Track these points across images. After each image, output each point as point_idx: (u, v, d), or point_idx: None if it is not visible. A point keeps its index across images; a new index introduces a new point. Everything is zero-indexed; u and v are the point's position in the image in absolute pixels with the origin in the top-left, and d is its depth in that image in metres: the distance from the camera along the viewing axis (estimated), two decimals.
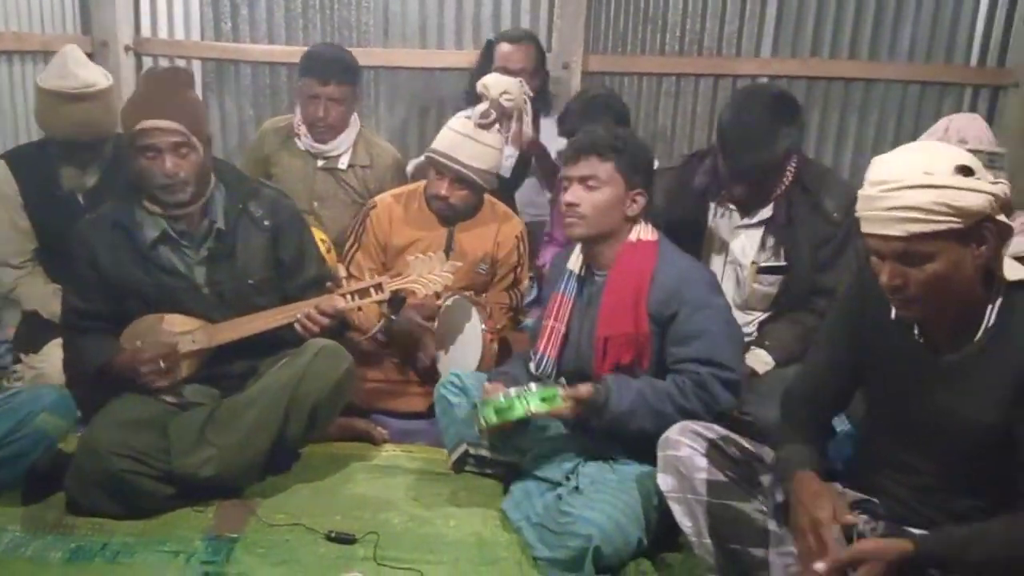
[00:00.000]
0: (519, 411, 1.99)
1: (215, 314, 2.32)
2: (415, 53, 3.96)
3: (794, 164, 2.40)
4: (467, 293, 2.61)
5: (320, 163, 3.10)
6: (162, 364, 2.24)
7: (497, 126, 2.68)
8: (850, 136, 3.93)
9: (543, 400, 1.99)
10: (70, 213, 2.58)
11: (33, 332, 2.70)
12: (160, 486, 2.14)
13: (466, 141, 2.64)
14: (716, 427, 1.90)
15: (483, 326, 2.49)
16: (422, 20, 3.95)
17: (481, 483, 2.32)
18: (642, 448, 2.01)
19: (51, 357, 2.56)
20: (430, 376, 2.61)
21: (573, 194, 2.10)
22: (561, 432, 2.21)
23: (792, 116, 2.30)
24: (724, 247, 2.48)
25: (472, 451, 2.29)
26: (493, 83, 2.74)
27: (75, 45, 2.66)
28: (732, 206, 2.47)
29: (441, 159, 2.64)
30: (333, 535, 2.06)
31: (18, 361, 2.70)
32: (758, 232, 2.44)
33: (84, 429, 2.20)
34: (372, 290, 2.35)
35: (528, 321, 2.87)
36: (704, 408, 1.99)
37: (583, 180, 2.09)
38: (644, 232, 2.13)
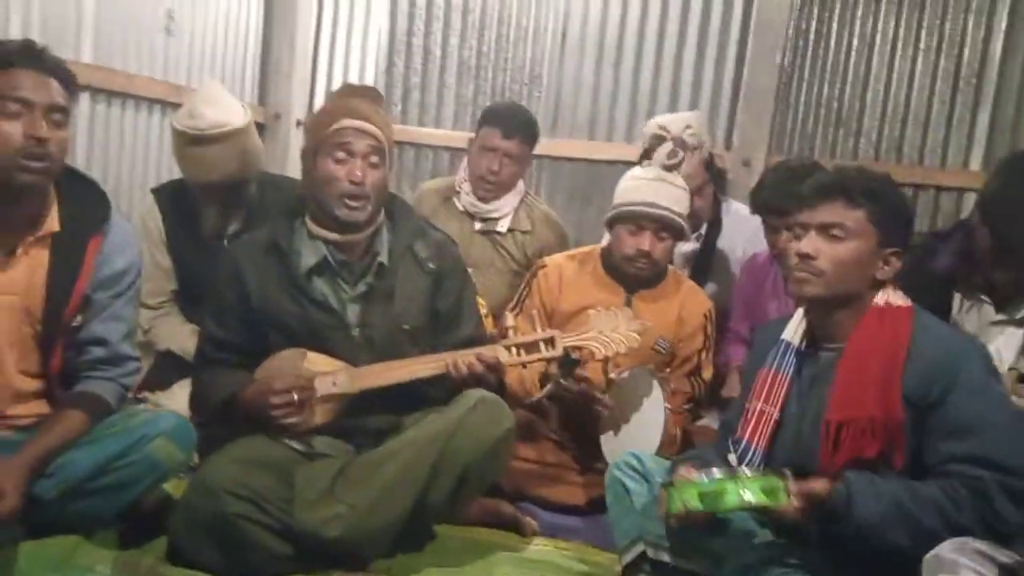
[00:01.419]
0: (731, 500, 1.54)
1: (362, 359, 2.02)
2: (582, 144, 3.80)
3: None
4: (648, 367, 2.23)
5: (478, 226, 2.88)
6: (296, 397, 1.94)
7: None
8: None
9: (764, 492, 1.54)
10: (211, 256, 2.38)
11: (164, 372, 2.49)
12: (277, 542, 1.79)
13: (661, 184, 2.35)
14: (1005, 551, 1.42)
15: (667, 404, 2.08)
16: (593, 113, 3.81)
17: None
18: (887, 568, 1.54)
19: (177, 396, 2.33)
20: (593, 461, 2.20)
21: (810, 244, 1.70)
22: (772, 540, 1.72)
23: None
24: None
25: (651, 554, 1.83)
26: (671, 119, 2.48)
27: (214, 81, 2.55)
28: (985, 297, 2.03)
29: (640, 208, 2.33)
30: None
31: (143, 401, 2.48)
32: (1020, 332, 1.98)
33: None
34: (542, 344, 2.00)
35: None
36: (983, 527, 1.50)
37: (824, 228, 1.69)
38: (894, 296, 1.71)
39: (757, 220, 3.12)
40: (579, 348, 2.02)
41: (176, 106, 3.02)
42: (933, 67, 3.50)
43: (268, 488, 1.81)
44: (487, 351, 1.99)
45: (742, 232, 2.96)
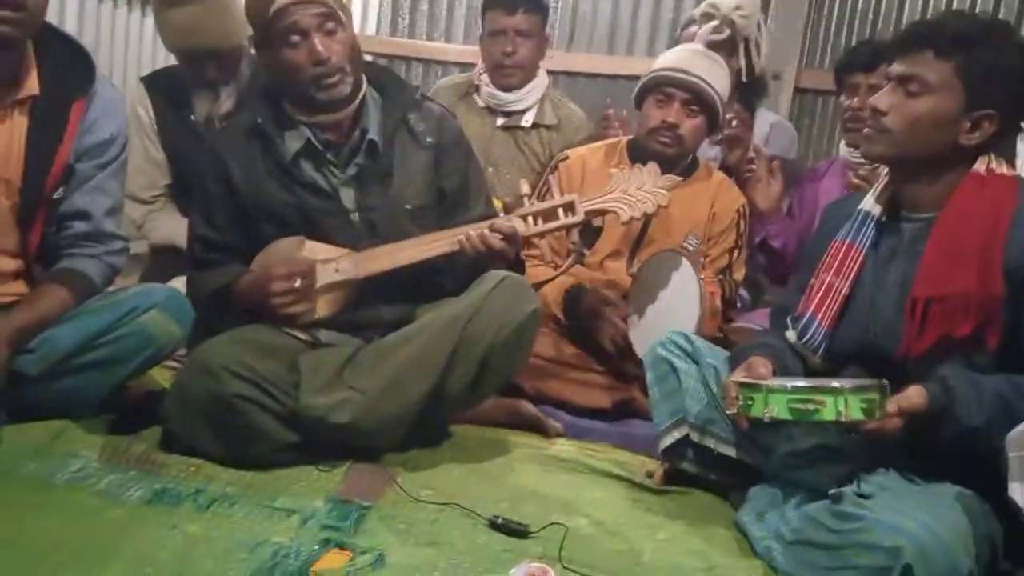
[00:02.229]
0: (828, 413, 1.35)
1: (364, 245, 1.84)
2: (601, 59, 3.59)
3: None
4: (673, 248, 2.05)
5: (500, 121, 2.69)
6: (298, 283, 1.76)
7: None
8: None
9: (862, 407, 1.34)
10: (202, 143, 2.22)
11: (160, 269, 2.32)
12: (281, 428, 1.64)
13: (698, 56, 2.16)
14: None
15: (700, 276, 1.89)
16: (613, 25, 3.60)
17: (697, 498, 1.69)
18: (965, 468, 1.39)
19: None
20: (619, 362, 2.04)
21: (884, 97, 1.50)
22: (832, 430, 1.54)
23: None
24: None
25: (696, 438, 1.66)
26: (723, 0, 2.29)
27: None
28: None
29: (669, 73, 2.14)
30: (500, 522, 1.48)
31: None
32: None
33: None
34: (561, 211, 1.81)
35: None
36: None
37: (903, 81, 1.49)
38: (998, 165, 1.51)
39: (792, 130, 2.95)
40: (602, 212, 1.83)
41: None
42: None
43: (271, 371, 1.65)
44: (501, 221, 1.81)
45: (779, 141, 2.79)
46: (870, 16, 3.38)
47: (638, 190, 1.82)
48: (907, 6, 3.34)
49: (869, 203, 1.60)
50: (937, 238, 1.48)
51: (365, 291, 1.83)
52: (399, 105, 1.88)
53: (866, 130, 1.54)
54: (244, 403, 1.60)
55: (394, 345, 1.71)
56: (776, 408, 1.37)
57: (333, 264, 1.83)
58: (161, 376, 1.94)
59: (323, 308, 1.84)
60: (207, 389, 1.60)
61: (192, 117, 2.34)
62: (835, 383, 1.37)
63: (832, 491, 1.42)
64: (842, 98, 2.38)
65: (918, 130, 1.49)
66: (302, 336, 1.81)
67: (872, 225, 1.58)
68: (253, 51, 1.92)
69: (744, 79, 2.48)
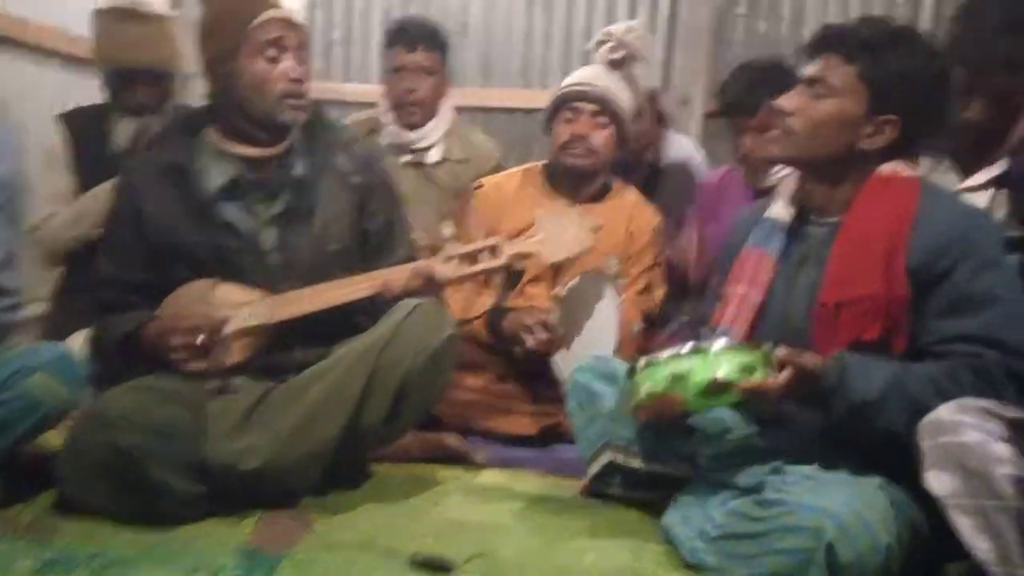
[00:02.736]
0: (702, 374, 1.35)
1: (281, 287, 1.77)
2: (517, 93, 3.61)
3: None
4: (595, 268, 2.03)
5: (406, 158, 2.65)
6: (200, 339, 1.68)
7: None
8: None
9: (741, 367, 1.34)
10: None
11: (61, 321, 2.20)
12: (186, 480, 1.54)
13: (600, 72, 2.19)
14: (1012, 407, 1.27)
15: (620, 298, 1.88)
16: (526, 59, 3.63)
17: (625, 515, 1.65)
18: (879, 462, 1.40)
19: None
20: (544, 386, 2.00)
21: (791, 99, 1.52)
22: (749, 432, 1.54)
23: None
24: None
25: (621, 461, 1.63)
26: (614, 26, 2.38)
27: None
28: (950, 166, 1.90)
29: (576, 88, 2.16)
30: (421, 559, 1.41)
31: None
32: (986, 196, 1.85)
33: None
34: (485, 254, 1.79)
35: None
36: None
37: (810, 83, 1.52)
38: (900, 167, 1.53)
39: (700, 155, 2.99)
40: (527, 254, 1.81)
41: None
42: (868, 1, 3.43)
43: (174, 419, 1.56)
44: (423, 265, 1.78)
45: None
46: (771, 40, 3.48)
47: (564, 232, 1.81)
48: (805, 31, 3.45)
49: (777, 209, 1.61)
50: (841, 242, 1.49)
51: (280, 334, 1.76)
52: (326, 144, 1.85)
53: (774, 131, 1.56)
54: (144, 455, 1.49)
55: (306, 382, 1.64)
56: (656, 381, 1.36)
57: (247, 309, 1.76)
58: (58, 438, 1.82)
59: (236, 354, 1.76)
60: (103, 442, 1.49)
61: (113, 149, 2.27)
62: (714, 344, 1.35)
63: (754, 482, 1.40)
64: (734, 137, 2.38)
65: (820, 132, 1.50)
66: (211, 383, 1.73)
67: (781, 231, 1.59)
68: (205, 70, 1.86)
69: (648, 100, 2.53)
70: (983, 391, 1.33)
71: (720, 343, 1.37)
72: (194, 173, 1.77)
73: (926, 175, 1.89)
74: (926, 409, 1.30)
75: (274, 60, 1.73)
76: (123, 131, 2.26)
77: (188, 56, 2.34)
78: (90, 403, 1.59)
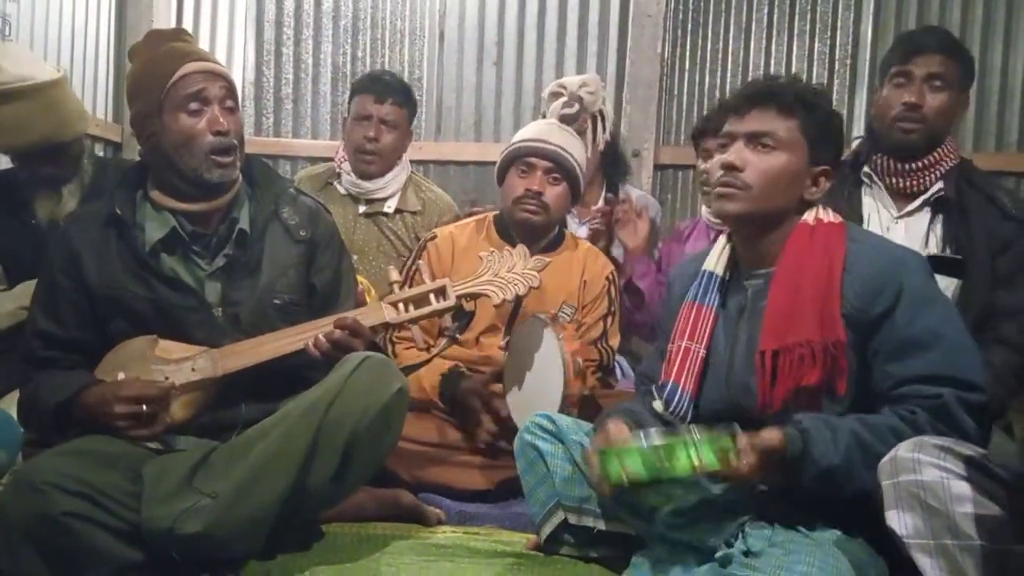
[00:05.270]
0: (683, 465, 1.32)
1: (226, 342, 1.73)
2: (469, 146, 3.64)
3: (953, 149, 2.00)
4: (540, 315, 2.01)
5: (362, 208, 2.64)
6: (145, 408, 1.62)
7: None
8: None
9: (715, 452, 1.33)
10: (42, 243, 2.11)
11: None
12: (121, 546, 1.47)
13: (554, 128, 2.21)
14: (967, 444, 1.28)
15: (560, 338, 1.86)
16: (478, 114, 3.67)
17: (584, 569, 1.61)
18: (841, 510, 1.40)
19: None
20: (498, 440, 1.97)
21: (738, 154, 1.53)
22: (713, 487, 1.51)
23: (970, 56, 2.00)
24: None
25: (573, 520, 1.60)
26: (568, 79, 2.44)
27: (13, 41, 2.30)
28: (888, 198, 1.97)
29: (530, 144, 2.17)
30: None
31: None
32: (923, 219, 1.92)
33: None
34: (432, 296, 1.77)
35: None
36: None
37: (754, 138, 1.52)
38: (824, 213, 1.55)
39: (655, 203, 3.04)
40: (474, 295, 1.79)
41: None
42: (808, 51, 3.54)
43: (109, 483, 1.49)
44: (370, 310, 1.75)
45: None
46: (716, 92, 3.56)
47: (509, 272, 1.81)
48: (748, 80, 3.55)
49: (711, 263, 1.63)
50: (776, 292, 1.50)
51: (226, 390, 1.71)
52: (272, 197, 1.83)
53: (719, 189, 1.55)
54: (76, 521, 1.42)
55: (250, 441, 1.58)
56: (632, 468, 1.34)
57: (189, 363, 1.71)
58: None
59: (179, 412, 1.70)
60: (32, 509, 1.42)
61: (33, 221, 2.21)
62: (685, 434, 1.34)
63: (719, 554, 1.37)
64: (699, 162, 2.46)
65: (776, 184, 1.52)
66: (151, 445, 1.66)
67: (716, 285, 1.60)
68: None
69: (601, 152, 2.55)
70: (943, 432, 1.34)
71: (696, 432, 1.35)
72: (134, 226, 1.74)
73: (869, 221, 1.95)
74: None
75: (197, 113, 1.70)
76: (42, 206, 2.21)
77: (82, 111, 2.29)
78: (17, 468, 1.51)
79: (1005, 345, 1.84)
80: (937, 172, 1.94)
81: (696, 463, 1.31)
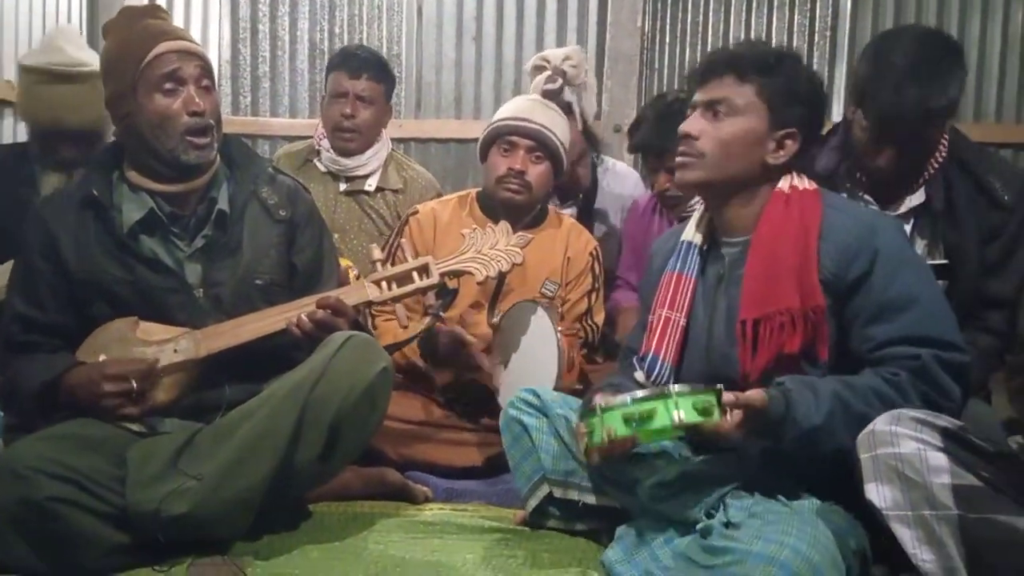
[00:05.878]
0: (662, 420, 1.33)
1: (207, 323, 1.71)
2: (450, 123, 3.62)
3: (947, 138, 1.89)
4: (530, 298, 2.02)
5: (343, 186, 2.62)
6: (134, 384, 1.61)
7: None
8: None
9: (697, 409, 1.33)
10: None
11: None
12: (107, 529, 1.46)
13: (537, 105, 2.19)
14: (943, 416, 1.29)
15: (557, 328, 1.87)
16: (458, 91, 3.64)
17: (570, 543, 1.62)
18: (822, 479, 1.42)
19: None
20: (488, 414, 1.97)
21: (694, 123, 1.54)
22: (695, 458, 1.53)
23: (958, 54, 1.81)
24: None
25: (558, 493, 1.61)
26: (551, 51, 2.41)
27: (68, 25, 2.28)
28: (867, 196, 1.93)
29: (513, 122, 2.15)
30: None
31: None
32: (906, 226, 1.89)
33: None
34: (415, 274, 1.76)
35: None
36: (928, 408, 1.34)
37: (709, 106, 1.53)
38: (799, 181, 1.56)
39: (636, 175, 3.03)
40: (457, 273, 1.79)
41: None
42: (788, 23, 3.55)
43: (93, 467, 1.48)
44: (352, 290, 1.74)
45: (625, 187, 2.85)
46: (694, 67, 3.55)
47: (492, 249, 1.80)
48: None
49: (690, 233, 1.63)
50: (753, 260, 1.51)
51: (209, 371, 1.69)
52: (251, 177, 1.80)
53: (681, 158, 1.55)
54: (61, 506, 1.41)
55: (235, 422, 1.57)
56: (614, 426, 1.34)
57: (171, 344, 1.69)
58: None
59: (162, 393, 1.69)
60: (16, 495, 1.41)
61: (36, 198, 2.16)
62: (669, 388, 1.35)
63: (700, 525, 1.39)
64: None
65: (731, 151, 1.52)
66: (135, 428, 1.65)
67: (695, 254, 1.61)
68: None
69: (584, 126, 2.54)
70: (925, 391, 1.37)
71: (677, 387, 1.36)
72: (112, 208, 1.71)
73: None
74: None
75: (172, 93, 1.67)
76: (47, 185, 2.18)
77: None
78: (1, 455, 1.50)
79: (992, 334, 1.83)
80: (918, 182, 1.88)
81: (676, 419, 1.32)
